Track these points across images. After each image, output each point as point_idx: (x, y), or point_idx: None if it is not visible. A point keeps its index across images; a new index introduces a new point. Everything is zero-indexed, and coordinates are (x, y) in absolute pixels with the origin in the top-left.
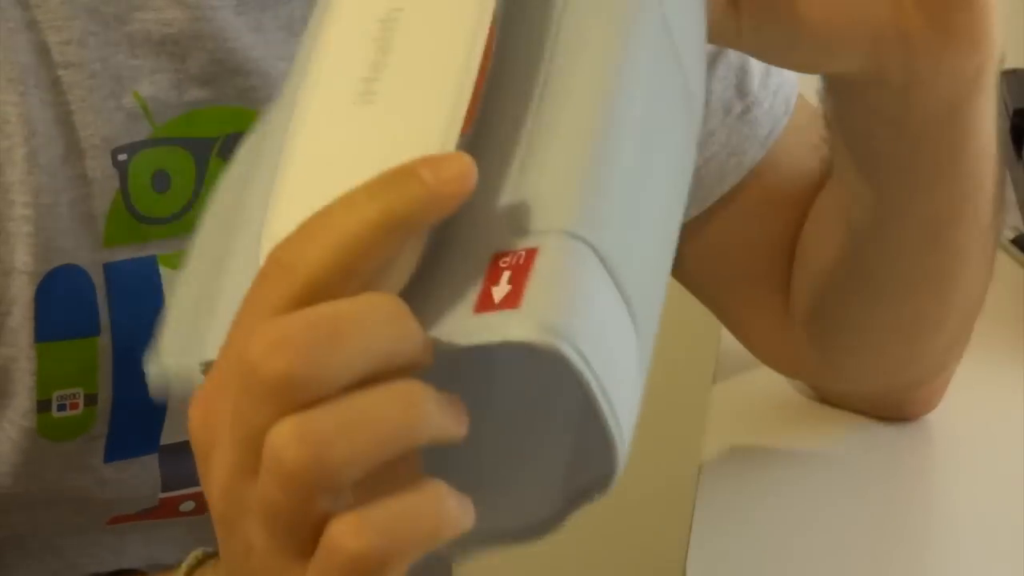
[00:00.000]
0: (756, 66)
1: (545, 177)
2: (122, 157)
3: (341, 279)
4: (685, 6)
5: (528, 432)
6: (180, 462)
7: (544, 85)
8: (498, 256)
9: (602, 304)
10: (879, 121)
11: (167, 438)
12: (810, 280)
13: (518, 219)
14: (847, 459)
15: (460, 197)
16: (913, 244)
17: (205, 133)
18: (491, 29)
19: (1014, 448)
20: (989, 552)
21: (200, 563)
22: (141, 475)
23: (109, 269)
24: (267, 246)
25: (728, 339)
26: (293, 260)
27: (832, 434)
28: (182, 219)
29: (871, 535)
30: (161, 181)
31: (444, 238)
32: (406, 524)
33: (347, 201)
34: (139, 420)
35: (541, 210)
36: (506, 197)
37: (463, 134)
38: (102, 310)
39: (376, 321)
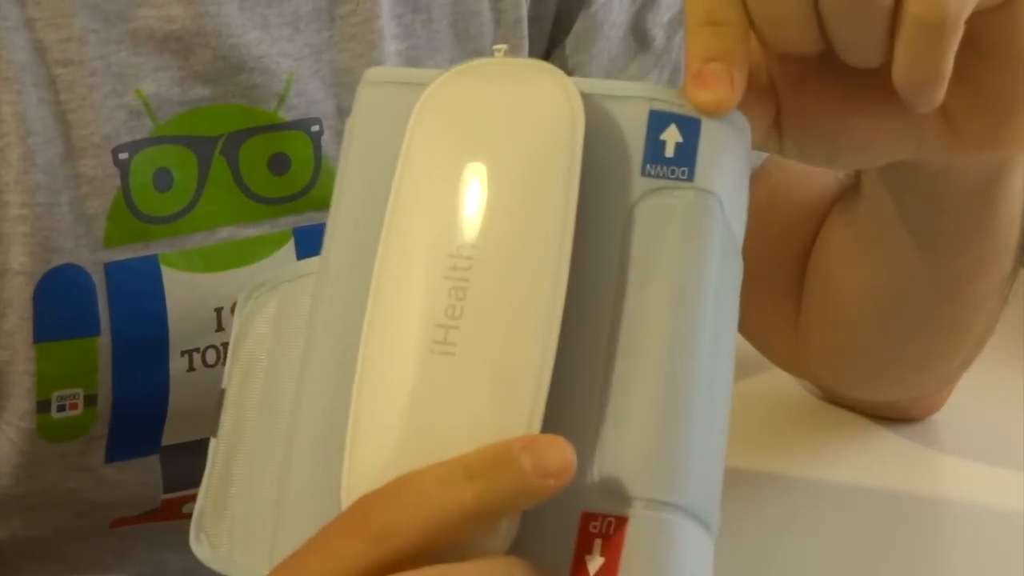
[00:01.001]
0: None
1: (626, 439)
2: (123, 155)
3: (427, 554)
4: (739, 183)
5: None
6: (182, 463)
7: (613, 324)
8: (587, 518)
9: (692, 560)
10: (912, 193)
11: (168, 439)
12: (822, 306)
13: (604, 480)
14: (851, 458)
15: (559, 488)
16: (936, 294)
17: (208, 131)
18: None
19: (1015, 448)
20: (993, 552)
21: None
22: (142, 476)
23: (110, 269)
24: (348, 497)
25: (736, 337)
26: (382, 525)
27: (837, 433)
28: (184, 218)
29: (874, 534)
30: (163, 180)
31: None
32: None
33: (443, 476)
34: (139, 420)
35: (626, 474)
36: (588, 454)
37: None
38: (102, 310)
39: None
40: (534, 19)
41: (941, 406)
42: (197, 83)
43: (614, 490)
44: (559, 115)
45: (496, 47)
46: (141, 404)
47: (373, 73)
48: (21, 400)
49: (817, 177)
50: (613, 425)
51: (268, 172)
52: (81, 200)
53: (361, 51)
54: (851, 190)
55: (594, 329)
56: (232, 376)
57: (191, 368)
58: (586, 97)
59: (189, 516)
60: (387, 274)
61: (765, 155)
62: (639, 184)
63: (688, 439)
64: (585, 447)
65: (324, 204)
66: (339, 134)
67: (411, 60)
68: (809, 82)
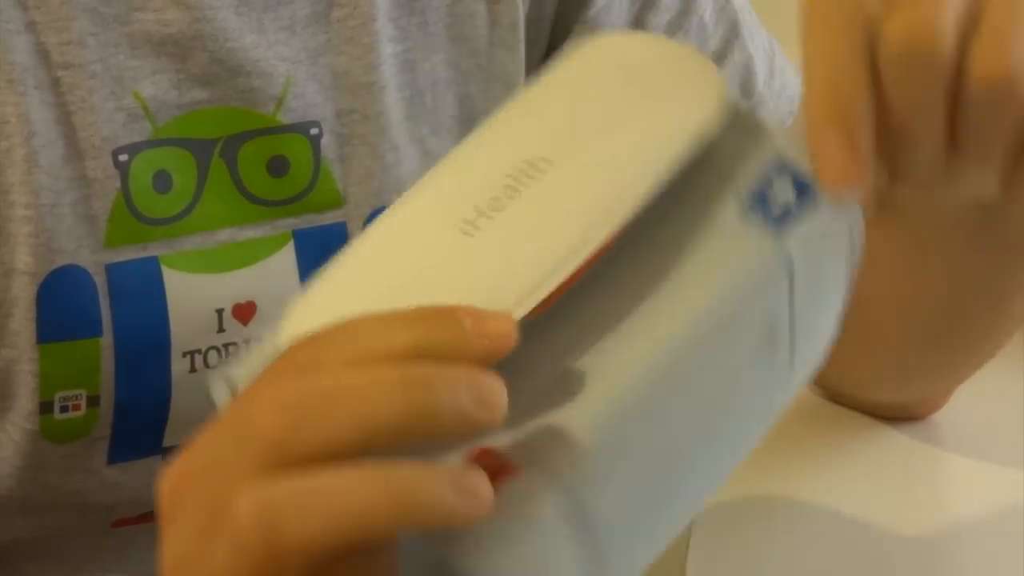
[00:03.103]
0: (760, 66)
1: (569, 404)
2: (123, 157)
3: (348, 405)
4: (823, 279)
5: None
6: None
7: (632, 302)
8: (485, 452)
9: (540, 551)
10: (976, 209)
11: (170, 440)
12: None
13: (524, 427)
14: (851, 458)
15: (492, 356)
16: (978, 306)
17: (206, 134)
18: (617, 232)
19: (1016, 445)
20: (994, 550)
21: None
22: (144, 477)
23: (111, 270)
24: (292, 329)
25: None
26: (309, 359)
27: (837, 432)
28: (184, 220)
29: (874, 534)
30: (162, 182)
31: None
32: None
33: (380, 320)
34: (142, 422)
35: (547, 434)
36: (532, 401)
37: (538, 311)
38: (104, 311)
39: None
40: (532, 21)
41: (943, 404)
42: (195, 86)
43: (525, 441)
44: (696, 103)
45: None
46: (143, 405)
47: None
48: (25, 401)
49: None
50: (566, 386)
51: (267, 174)
52: (82, 201)
53: (358, 54)
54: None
55: (616, 296)
56: None
57: (193, 369)
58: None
59: None
60: (464, 154)
61: None
62: (729, 206)
63: (628, 449)
64: (531, 391)
65: (323, 206)
66: (338, 136)
67: (407, 63)
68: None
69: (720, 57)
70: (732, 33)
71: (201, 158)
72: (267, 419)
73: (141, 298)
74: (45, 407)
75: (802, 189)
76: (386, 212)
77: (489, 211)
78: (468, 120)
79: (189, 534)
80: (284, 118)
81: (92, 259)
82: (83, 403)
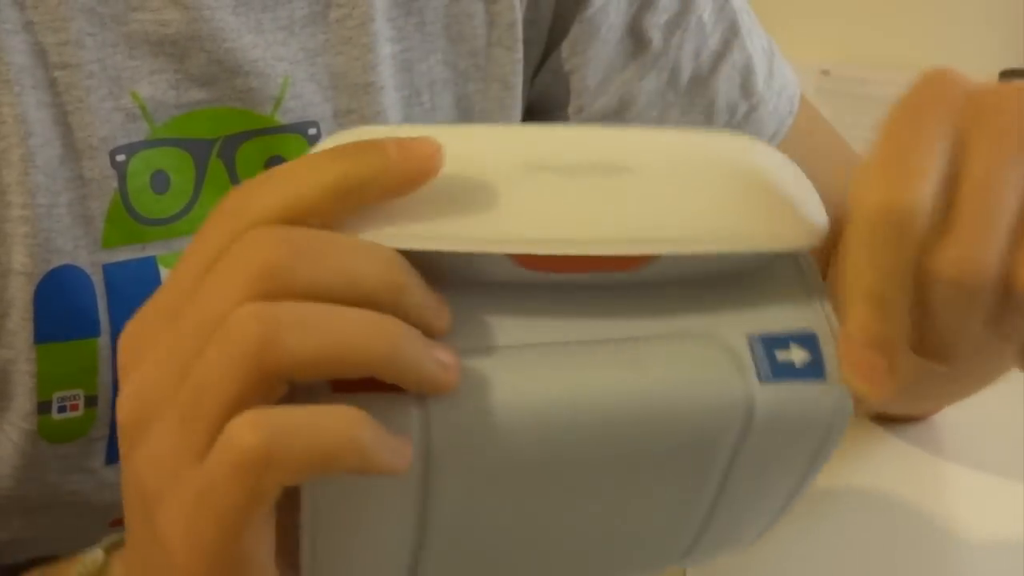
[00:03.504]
0: (760, 66)
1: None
2: (120, 157)
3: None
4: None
5: None
6: None
7: (587, 334)
8: None
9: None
10: None
11: None
12: None
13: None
14: (851, 458)
15: (419, 178)
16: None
17: (204, 134)
18: (649, 257)
19: (1016, 447)
20: (993, 552)
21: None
22: None
23: (108, 270)
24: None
25: None
26: (239, 203)
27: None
28: (182, 220)
29: (873, 534)
30: (160, 182)
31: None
32: (305, 433)
33: (311, 160)
34: None
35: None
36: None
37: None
38: (101, 311)
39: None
40: (530, 22)
41: (942, 407)
42: (193, 86)
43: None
44: (791, 221)
45: None
46: None
47: None
48: (23, 401)
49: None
50: (485, 360)
51: None
52: (79, 201)
53: (357, 54)
54: None
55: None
56: None
57: None
58: None
59: None
60: (564, 130)
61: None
62: (739, 326)
63: (504, 457)
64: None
65: None
66: None
67: (405, 63)
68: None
69: (719, 57)
70: (731, 33)
71: (199, 158)
72: (261, 251)
73: (139, 298)
74: (43, 407)
75: (811, 368)
76: (462, 126)
77: (556, 171)
78: (465, 120)
79: (164, 362)
80: (282, 118)
81: (89, 259)
82: (81, 403)
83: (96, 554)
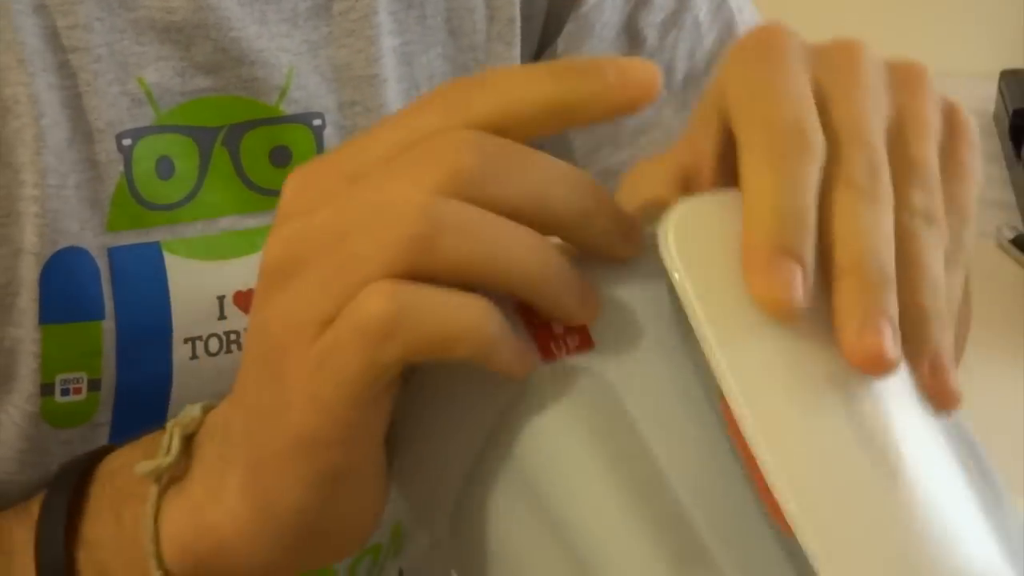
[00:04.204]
0: None
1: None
2: (126, 142)
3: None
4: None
5: None
6: None
7: None
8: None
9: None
10: None
11: None
12: None
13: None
14: None
15: (636, 104)
16: None
17: (209, 122)
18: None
19: (1016, 447)
20: None
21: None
22: None
23: (113, 253)
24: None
25: None
26: (457, 98)
27: None
28: (186, 206)
29: None
30: (165, 168)
31: None
32: (435, 311)
33: (530, 71)
34: (143, 409)
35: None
36: None
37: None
38: (106, 294)
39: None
40: (525, 18)
41: None
42: (198, 74)
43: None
44: None
45: None
46: (144, 391)
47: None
48: (27, 382)
49: None
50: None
51: (269, 164)
52: (87, 184)
53: (360, 47)
54: None
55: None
56: None
57: (194, 356)
58: None
59: None
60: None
61: None
62: None
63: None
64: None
65: None
66: (341, 128)
67: (406, 56)
68: None
69: (714, 57)
70: (727, 33)
71: (203, 146)
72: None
73: (143, 283)
74: (46, 389)
75: None
76: None
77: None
78: None
79: (327, 222)
80: (287, 109)
81: (95, 242)
82: (84, 387)
83: (194, 410)
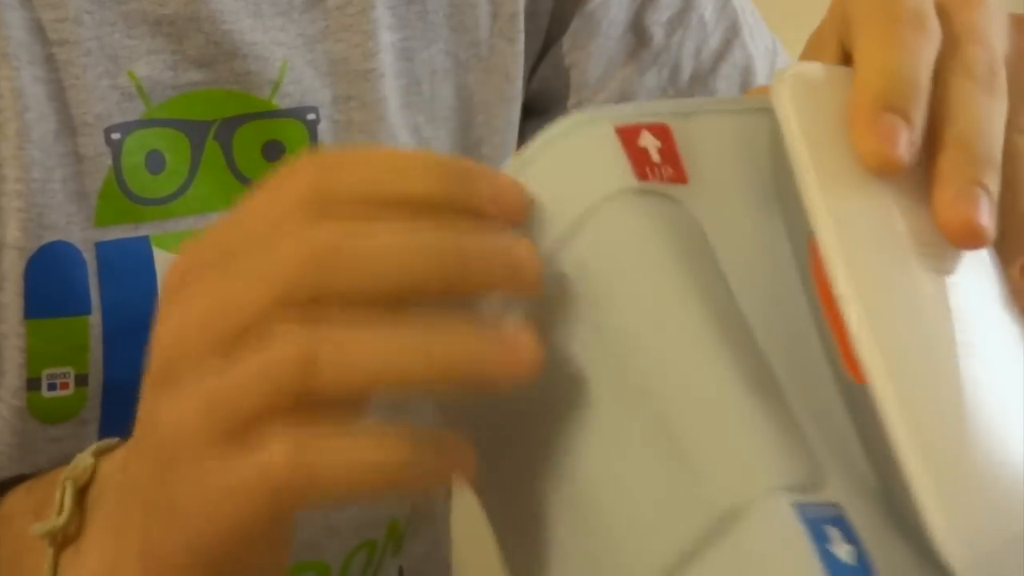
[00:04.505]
0: (761, 66)
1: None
2: (115, 136)
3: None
4: None
5: None
6: None
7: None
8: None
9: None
10: None
11: None
12: None
13: None
14: None
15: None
16: None
17: (201, 115)
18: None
19: None
20: None
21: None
22: None
23: (101, 248)
24: None
25: None
26: (325, 190)
27: None
28: (176, 201)
29: None
30: (155, 162)
31: None
32: (339, 466)
33: (401, 159)
34: (131, 405)
35: None
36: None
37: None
38: (93, 289)
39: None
40: (530, 15)
41: None
42: (190, 67)
43: None
44: None
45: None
46: (132, 387)
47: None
48: (13, 377)
49: None
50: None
51: (262, 158)
52: (73, 178)
53: (357, 41)
54: None
55: None
56: None
57: None
58: None
59: None
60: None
61: None
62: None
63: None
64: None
65: None
66: (335, 123)
67: (406, 51)
68: None
69: (720, 56)
70: (732, 32)
71: (195, 140)
72: (294, 257)
73: (131, 278)
74: (32, 384)
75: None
76: None
77: None
78: (465, 110)
79: (207, 309)
80: (280, 103)
81: (82, 236)
82: (71, 382)
83: (86, 459)
